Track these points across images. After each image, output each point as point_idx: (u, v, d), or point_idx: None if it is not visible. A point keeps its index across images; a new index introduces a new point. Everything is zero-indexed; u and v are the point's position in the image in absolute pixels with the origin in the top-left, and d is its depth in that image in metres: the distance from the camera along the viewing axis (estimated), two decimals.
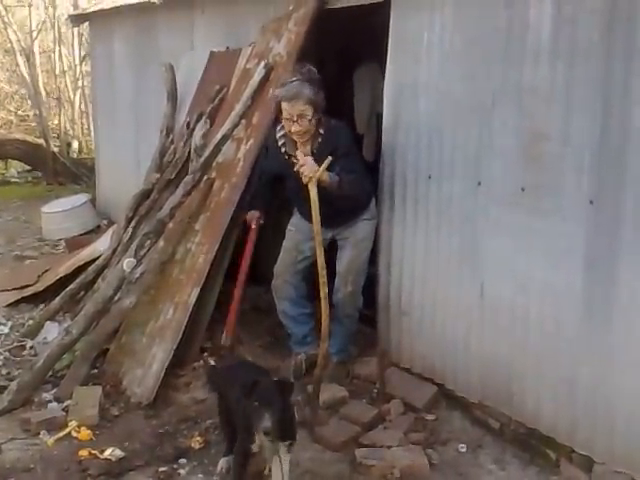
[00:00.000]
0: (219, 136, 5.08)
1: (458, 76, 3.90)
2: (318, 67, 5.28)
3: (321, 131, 4.14)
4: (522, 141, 3.58)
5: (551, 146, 3.44)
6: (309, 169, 3.86)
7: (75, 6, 13.72)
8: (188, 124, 5.91)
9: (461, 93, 3.88)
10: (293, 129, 4.06)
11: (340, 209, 4.15)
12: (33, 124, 16.51)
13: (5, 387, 4.46)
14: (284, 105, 4.02)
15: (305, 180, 3.87)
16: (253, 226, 4.69)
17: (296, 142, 4.15)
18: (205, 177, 5.12)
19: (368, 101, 6.13)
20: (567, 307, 3.47)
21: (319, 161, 3.93)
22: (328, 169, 3.91)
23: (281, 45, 5.05)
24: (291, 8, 5.13)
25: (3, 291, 6.32)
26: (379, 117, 5.96)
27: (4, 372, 4.81)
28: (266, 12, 5.53)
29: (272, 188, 4.65)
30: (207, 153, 5.12)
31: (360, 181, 4.17)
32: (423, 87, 4.11)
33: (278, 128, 4.28)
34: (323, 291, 3.95)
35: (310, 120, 4.03)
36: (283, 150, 4.26)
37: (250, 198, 4.71)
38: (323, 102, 4.07)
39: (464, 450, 3.87)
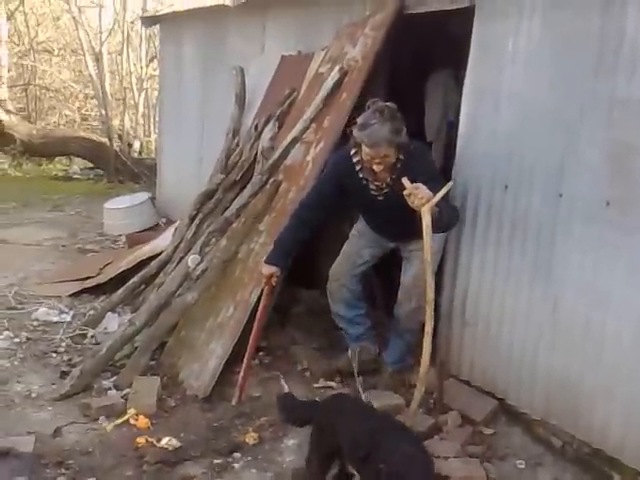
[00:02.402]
0: (289, 138, 5.10)
1: (544, 84, 3.81)
2: (392, 72, 5.34)
3: (400, 156, 3.98)
4: (610, 154, 3.47)
5: None
6: (424, 196, 3.58)
7: (144, 9, 13.97)
8: (256, 126, 5.96)
9: (546, 102, 3.79)
10: (376, 169, 3.94)
11: (411, 221, 3.89)
12: (95, 123, 16.90)
13: (67, 373, 4.57)
14: (366, 149, 3.88)
15: (417, 204, 3.60)
16: (273, 284, 4.30)
17: (372, 169, 4.01)
18: (272, 179, 5.15)
19: (440, 108, 6.07)
20: None
21: (399, 187, 3.76)
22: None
23: (356, 50, 5.04)
24: (368, 13, 5.15)
25: (66, 281, 6.45)
26: (450, 125, 5.94)
27: (66, 358, 4.90)
28: (340, 17, 5.56)
29: (306, 233, 4.30)
30: (276, 155, 5.15)
31: (455, 208, 4.07)
32: (505, 95, 4.03)
33: (353, 152, 4.10)
34: (429, 325, 3.79)
35: (393, 160, 3.93)
36: (360, 175, 4.11)
37: (273, 247, 4.34)
38: (405, 137, 3.91)
39: (523, 467, 3.78)
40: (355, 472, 3.20)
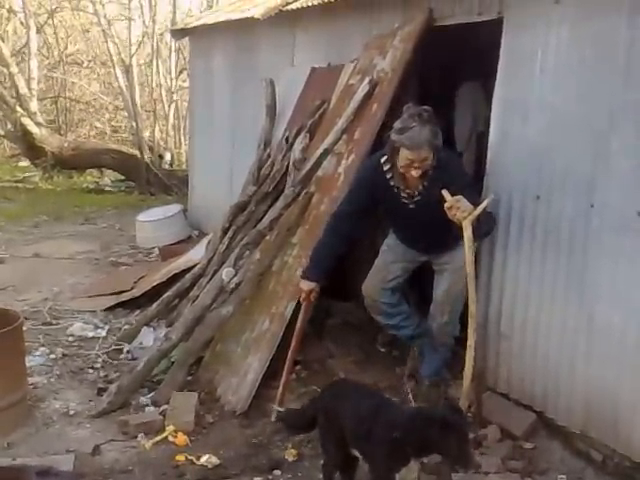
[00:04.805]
0: (320, 150, 5.11)
1: (573, 95, 3.80)
2: (420, 84, 5.34)
3: (433, 163, 3.94)
4: None
5: None
6: (466, 209, 3.64)
7: (173, 21, 14.11)
8: (287, 138, 5.97)
9: (576, 112, 3.78)
10: (413, 174, 3.89)
11: (441, 232, 4.00)
12: (124, 135, 17.06)
13: (104, 389, 4.59)
14: (405, 153, 3.82)
15: (459, 217, 3.65)
16: (312, 299, 4.27)
17: (404, 175, 3.99)
18: (304, 191, 5.15)
19: (469, 119, 6.10)
20: None
21: (431, 195, 3.87)
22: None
23: (386, 62, 5.03)
24: (397, 25, 5.15)
25: (100, 295, 6.50)
26: (479, 136, 5.93)
27: (102, 374, 4.94)
28: (369, 30, 5.58)
29: (341, 245, 4.27)
30: (308, 167, 5.16)
31: (491, 215, 4.04)
32: (535, 105, 4.02)
33: (384, 160, 4.08)
34: (471, 339, 3.81)
35: (430, 163, 3.90)
36: (392, 183, 4.08)
37: (310, 262, 4.31)
38: (441, 141, 3.90)
39: None
40: (358, 452, 3.35)
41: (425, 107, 3.89)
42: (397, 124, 3.88)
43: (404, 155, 3.85)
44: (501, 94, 4.29)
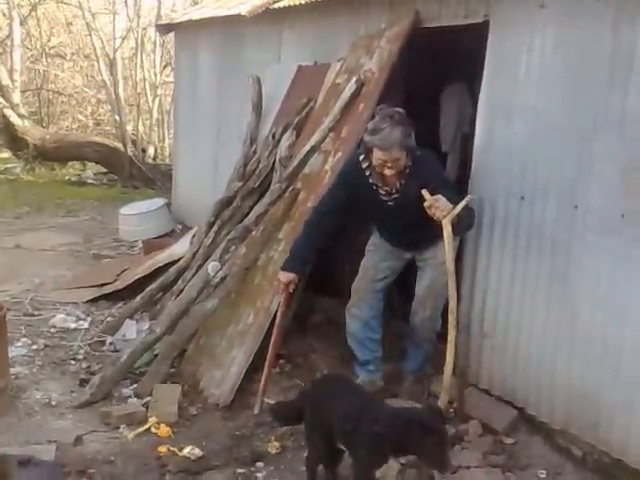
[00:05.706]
0: (307, 147, 5.15)
1: (557, 99, 3.85)
2: (407, 86, 5.39)
3: (409, 162, 4.02)
4: (623, 167, 3.50)
5: None
6: (445, 208, 3.70)
7: (157, 16, 14.06)
8: (273, 135, 5.99)
9: (560, 116, 3.83)
10: (387, 173, 3.97)
11: (422, 228, 4.05)
12: (107, 128, 16.97)
13: (86, 380, 4.59)
14: (378, 153, 3.91)
15: (438, 215, 3.72)
16: (290, 290, 4.36)
17: (381, 173, 4.05)
18: (291, 187, 5.19)
19: (454, 120, 6.15)
20: None
21: (408, 192, 3.96)
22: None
23: (373, 62, 5.08)
24: (384, 26, 5.19)
25: (82, 287, 6.49)
26: (464, 137, 5.99)
27: (84, 365, 4.94)
28: (356, 29, 5.61)
29: (321, 239, 4.35)
30: (294, 164, 5.20)
31: (472, 211, 4.06)
32: (520, 109, 4.07)
33: (362, 158, 4.16)
34: (452, 334, 3.85)
35: (404, 163, 3.98)
36: (370, 181, 4.15)
37: (290, 254, 4.39)
38: (414, 141, 3.98)
39: (544, 476, 3.79)
40: (344, 447, 3.39)
41: (397, 109, 3.97)
42: (370, 125, 3.98)
43: (377, 155, 3.94)
44: (486, 96, 4.33)
